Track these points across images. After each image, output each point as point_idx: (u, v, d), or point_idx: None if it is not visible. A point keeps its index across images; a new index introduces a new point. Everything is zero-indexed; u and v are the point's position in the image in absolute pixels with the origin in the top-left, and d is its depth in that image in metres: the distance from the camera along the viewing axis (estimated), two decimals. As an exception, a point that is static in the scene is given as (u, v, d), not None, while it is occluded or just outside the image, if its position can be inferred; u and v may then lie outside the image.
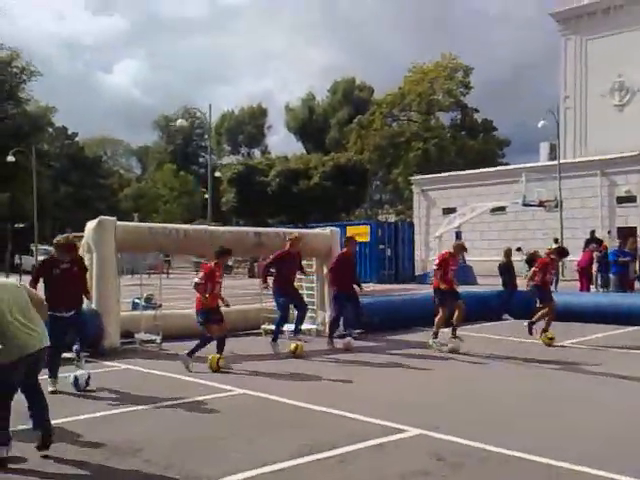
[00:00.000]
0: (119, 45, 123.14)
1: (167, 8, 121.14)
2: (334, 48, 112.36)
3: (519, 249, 24.03)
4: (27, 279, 8.44)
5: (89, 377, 7.63)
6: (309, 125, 71.12)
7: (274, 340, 10.26)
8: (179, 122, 34.69)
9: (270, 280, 10.52)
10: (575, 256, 18.45)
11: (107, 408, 6.79)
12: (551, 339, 10.78)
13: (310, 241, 12.41)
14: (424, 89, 55.57)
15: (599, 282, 18.06)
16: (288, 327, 10.81)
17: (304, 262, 12.40)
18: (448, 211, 36.28)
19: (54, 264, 7.80)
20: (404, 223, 34.03)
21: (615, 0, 34.33)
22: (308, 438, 5.65)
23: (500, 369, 9.04)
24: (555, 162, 31.67)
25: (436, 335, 10.44)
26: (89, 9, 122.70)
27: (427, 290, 20.81)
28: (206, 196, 57.59)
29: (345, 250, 11.26)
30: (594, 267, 17.98)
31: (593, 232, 22.53)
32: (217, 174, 42.33)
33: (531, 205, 27.14)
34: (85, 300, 8.41)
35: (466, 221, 29.94)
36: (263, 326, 12.23)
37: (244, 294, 16.93)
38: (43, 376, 7.59)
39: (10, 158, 38.03)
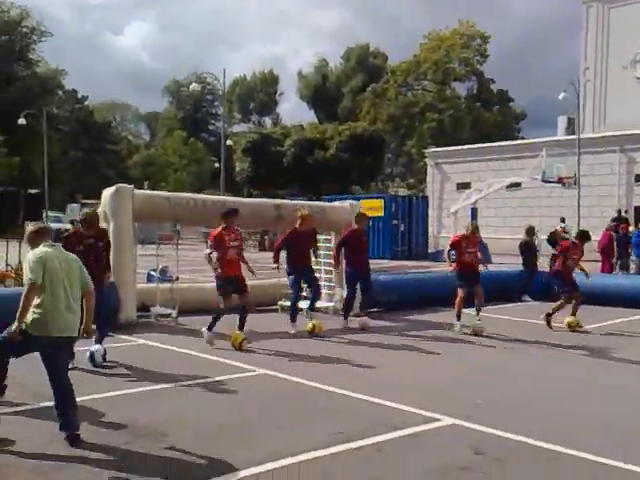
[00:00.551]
0: (128, 6, 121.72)
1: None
2: (347, 13, 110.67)
3: (563, 220, 23.42)
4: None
5: (105, 352, 7.43)
6: (322, 93, 70.07)
7: (292, 320, 9.95)
8: (192, 86, 34.21)
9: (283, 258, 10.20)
10: (594, 236, 18.05)
11: (127, 386, 6.59)
12: (577, 324, 10.48)
13: (329, 214, 12.14)
14: (440, 57, 54.56)
15: (618, 264, 17.71)
16: (305, 304, 10.62)
17: (323, 236, 12.17)
18: (462, 186, 35.73)
19: (78, 240, 7.53)
20: (418, 197, 33.54)
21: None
22: (340, 425, 5.44)
23: (524, 354, 8.79)
24: (574, 137, 30.99)
25: (459, 317, 10.18)
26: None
27: (443, 268, 20.65)
28: (217, 165, 57.33)
29: (356, 227, 10.82)
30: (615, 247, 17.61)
31: (619, 211, 22.08)
32: (229, 142, 41.83)
33: (550, 181, 26.62)
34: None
35: (483, 197, 29.40)
36: (280, 302, 12.01)
37: (260, 268, 16.67)
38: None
39: (21, 121, 37.62)
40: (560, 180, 26.55)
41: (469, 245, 10.33)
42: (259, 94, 78.00)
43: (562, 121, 38.37)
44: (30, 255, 5.01)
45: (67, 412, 4.95)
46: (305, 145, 41.47)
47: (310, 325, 9.77)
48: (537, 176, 26.48)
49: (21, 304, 4.82)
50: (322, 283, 11.37)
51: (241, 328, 8.71)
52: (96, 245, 7.57)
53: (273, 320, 11.00)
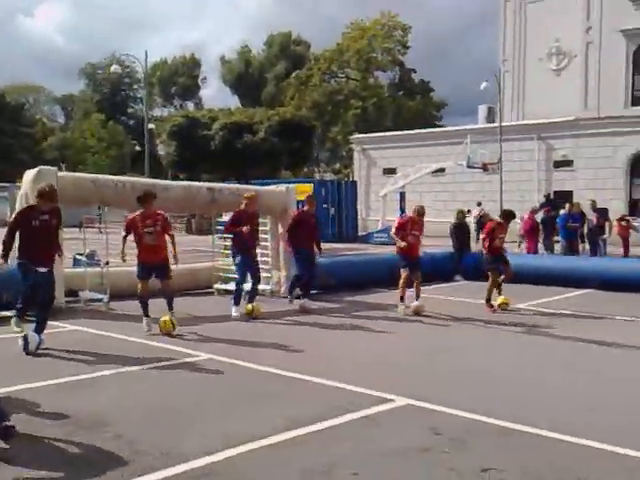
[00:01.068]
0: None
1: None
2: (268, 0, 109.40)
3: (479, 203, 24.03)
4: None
5: (41, 341, 7.01)
6: (245, 78, 69.14)
7: (236, 303, 9.63)
8: (113, 68, 32.95)
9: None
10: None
11: (64, 374, 6.19)
12: (506, 303, 10.65)
13: (264, 198, 11.86)
14: (363, 46, 54.83)
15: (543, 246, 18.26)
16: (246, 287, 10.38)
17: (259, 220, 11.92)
18: (389, 171, 36.12)
19: (34, 215, 7.09)
20: (347, 182, 33.64)
21: (555, -37, 34.46)
22: (293, 409, 5.26)
23: (466, 332, 8.87)
24: (495, 125, 31.83)
25: (402, 299, 10.19)
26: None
27: (377, 250, 20.76)
28: (137, 148, 55.80)
29: (306, 208, 10.75)
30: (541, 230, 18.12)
31: (548, 195, 22.70)
32: (151, 126, 40.65)
33: (475, 167, 27.23)
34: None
35: (410, 182, 29.82)
36: (216, 285, 11.73)
37: (190, 251, 16.23)
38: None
39: None
40: (484, 166, 27.20)
41: (414, 227, 10.32)
42: (181, 78, 76.26)
43: (482, 110, 39.28)
44: None
45: None
46: (234, 129, 40.58)
47: (249, 307, 9.54)
48: (462, 162, 27.03)
49: None
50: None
51: (170, 309, 8.36)
52: (50, 222, 7.13)
53: (211, 303, 10.72)
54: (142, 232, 8.33)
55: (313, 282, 10.80)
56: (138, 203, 8.53)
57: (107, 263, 10.39)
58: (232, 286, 11.54)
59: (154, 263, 8.34)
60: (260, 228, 11.75)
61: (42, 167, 9.99)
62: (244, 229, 9.39)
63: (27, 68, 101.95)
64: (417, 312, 9.99)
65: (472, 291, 12.18)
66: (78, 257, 12.04)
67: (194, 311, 9.60)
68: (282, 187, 12.30)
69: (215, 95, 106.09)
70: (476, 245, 15.26)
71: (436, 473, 4.11)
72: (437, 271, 13.61)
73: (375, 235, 28.24)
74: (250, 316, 9.48)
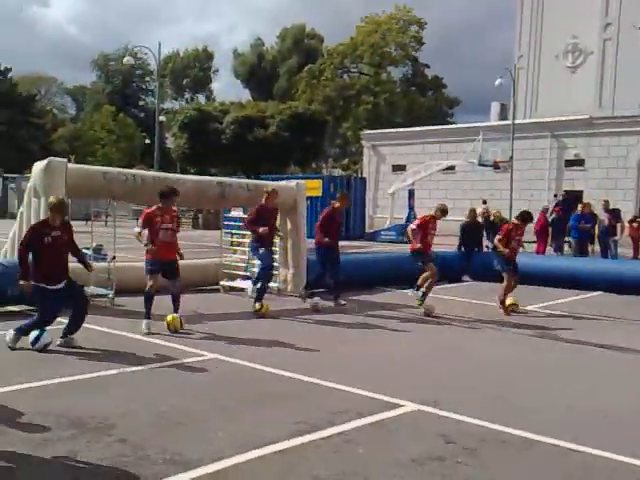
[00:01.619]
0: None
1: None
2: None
3: (485, 202, 23.87)
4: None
5: (50, 342, 6.92)
6: (257, 72, 68.90)
7: (258, 300, 9.46)
8: (126, 59, 32.78)
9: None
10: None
11: (68, 373, 6.07)
12: (516, 305, 10.49)
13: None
14: (376, 40, 54.53)
15: (553, 246, 18.10)
16: (248, 284, 10.31)
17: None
18: (398, 168, 35.92)
19: (45, 231, 6.87)
20: (356, 178, 33.41)
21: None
22: (301, 413, 5.13)
23: (477, 335, 8.71)
24: (508, 122, 31.56)
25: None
26: None
27: (385, 249, 20.61)
28: (147, 141, 55.66)
29: (338, 204, 10.50)
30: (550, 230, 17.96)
31: (565, 193, 22.51)
32: (161, 118, 40.53)
33: (486, 165, 27.00)
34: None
35: (419, 179, 29.61)
36: (222, 282, 11.61)
37: (199, 246, 16.15)
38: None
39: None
40: (495, 164, 26.96)
41: (434, 227, 10.18)
42: (193, 70, 76.10)
43: (495, 107, 39.04)
44: None
45: None
46: (245, 123, 40.35)
47: (258, 305, 9.41)
48: (473, 160, 26.80)
49: None
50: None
51: (176, 310, 8.21)
52: (62, 237, 6.92)
53: (217, 301, 10.59)
54: (159, 228, 8.18)
55: (338, 278, 10.39)
56: (161, 198, 8.31)
57: (114, 258, 10.26)
58: (238, 284, 11.46)
59: (167, 260, 8.17)
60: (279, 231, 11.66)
61: (52, 158, 9.88)
62: (261, 230, 9.27)
63: (40, 58, 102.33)
64: (427, 313, 9.85)
65: (481, 292, 12.04)
66: (84, 251, 11.92)
67: (200, 308, 9.48)
68: (292, 183, 12.15)
69: (226, 88, 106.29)
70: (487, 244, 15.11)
71: (450, 485, 3.97)
72: (445, 271, 13.42)
73: (382, 233, 28.06)
74: (258, 314, 9.36)
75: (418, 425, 5.02)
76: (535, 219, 18.27)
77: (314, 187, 27.34)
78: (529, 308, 10.76)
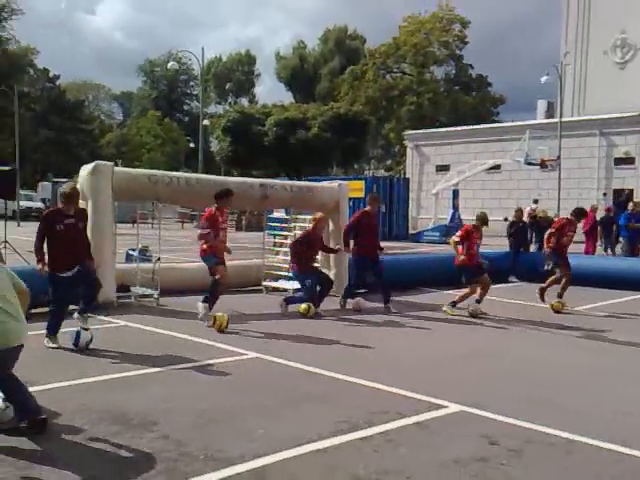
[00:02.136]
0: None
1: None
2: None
3: (536, 201, 23.41)
4: (9, 224, 7.71)
5: (92, 338, 7.00)
6: (299, 74, 69.25)
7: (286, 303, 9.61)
8: (171, 64, 33.36)
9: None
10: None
11: (112, 370, 6.17)
12: (562, 305, 10.29)
13: (317, 195, 11.76)
14: (419, 40, 54.15)
15: (603, 245, 17.68)
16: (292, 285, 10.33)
17: (310, 216, 11.83)
18: (442, 168, 35.59)
19: (58, 218, 6.98)
20: (399, 179, 33.25)
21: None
22: (342, 412, 5.10)
23: (520, 336, 8.55)
24: (554, 120, 30.97)
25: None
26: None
27: (428, 250, 20.43)
28: (191, 145, 56.50)
29: (368, 208, 10.36)
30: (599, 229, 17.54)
31: (605, 194, 21.96)
32: (205, 122, 41.05)
33: (533, 164, 26.51)
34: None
35: (464, 179, 29.27)
36: (265, 283, 11.67)
37: (242, 248, 16.25)
38: (41, 331, 7.02)
39: (-9, 99, 36.53)
40: (542, 162, 26.46)
41: (479, 237, 9.99)
42: (236, 74, 76.90)
43: (542, 105, 38.35)
44: None
45: (25, 398, 4.59)
46: (287, 125, 40.54)
47: (303, 307, 9.40)
48: (519, 158, 26.36)
49: None
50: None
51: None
52: (76, 225, 7.01)
53: (259, 301, 10.64)
54: (220, 227, 8.44)
55: (384, 286, 10.11)
56: (217, 199, 8.60)
57: (159, 259, 10.41)
58: (281, 284, 11.50)
59: (223, 258, 8.50)
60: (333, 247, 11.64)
61: (98, 162, 10.09)
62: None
63: (87, 65, 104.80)
64: (473, 314, 9.70)
65: (527, 293, 11.79)
66: (131, 252, 12.15)
67: (242, 309, 9.54)
68: (334, 183, 12.13)
69: (269, 92, 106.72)
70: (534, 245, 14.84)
71: (493, 487, 3.89)
72: (491, 272, 13.21)
73: (425, 234, 27.83)
74: (303, 315, 9.36)
75: (461, 426, 4.93)
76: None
77: (357, 188, 27.27)
78: (578, 309, 10.51)
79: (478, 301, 9.84)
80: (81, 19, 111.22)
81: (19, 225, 31.62)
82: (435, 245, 24.78)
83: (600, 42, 34.06)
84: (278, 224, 12.59)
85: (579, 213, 10.85)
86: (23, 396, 4.60)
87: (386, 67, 57.13)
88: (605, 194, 30.81)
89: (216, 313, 8.24)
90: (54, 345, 6.96)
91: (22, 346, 4.63)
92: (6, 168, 15.11)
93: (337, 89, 58.30)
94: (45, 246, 6.97)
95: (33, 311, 6.93)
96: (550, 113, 36.72)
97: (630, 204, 16.89)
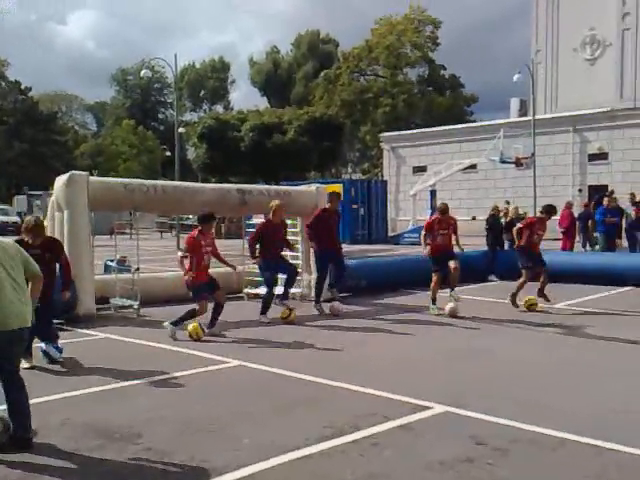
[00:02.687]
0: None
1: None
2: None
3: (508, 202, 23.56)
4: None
5: (60, 349, 6.95)
6: (274, 79, 69.22)
7: (263, 313, 9.51)
8: (143, 72, 33.05)
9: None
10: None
11: (94, 384, 6.10)
12: (535, 304, 10.31)
13: (295, 199, 11.75)
14: (392, 42, 54.39)
15: (581, 241, 17.87)
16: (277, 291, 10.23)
17: (289, 221, 11.82)
18: (419, 169, 35.76)
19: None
20: (377, 181, 33.35)
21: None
22: (327, 417, 5.08)
23: (503, 335, 8.59)
24: (528, 118, 31.25)
25: (434, 301, 9.99)
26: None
27: (408, 251, 20.48)
28: (168, 153, 56.15)
29: (328, 205, 10.46)
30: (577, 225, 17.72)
31: (580, 190, 22.16)
32: (181, 130, 40.83)
33: (508, 162, 26.74)
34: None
35: (441, 179, 29.43)
36: (246, 290, 11.62)
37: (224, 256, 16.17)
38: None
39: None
40: (517, 161, 26.69)
41: (441, 226, 10.10)
42: (210, 81, 76.64)
43: (515, 103, 38.73)
44: None
45: (25, 411, 4.53)
46: (263, 130, 40.47)
47: (285, 312, 9.38)
48: (495, 157, 26.56)
49: None
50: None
51: (212, 326, 8.38)
52: (43, 256, 6.54)
53: (241, 308, 10.58)
54: (204, 252, 8.36)
55: (342, 281, 10.51)
56: (201, 223, 8.59)
57: (137, 269, 10.32)
58: (262, 290, 11.43)
59: (209, 279, 8.42)
60: (292, 230, 11.68)
61: (73, 172, 10.00)
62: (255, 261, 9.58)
63: (59, 75, 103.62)
64: (452, 314, 9.74)
65: (507, 291, 11.84)
66: (109, 263, 12.04)
67: (224, 316, 9.48)
68: (312, 187, 12.13)
69: (244, 98, 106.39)
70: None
71: (480, 487, 3.89)
72: (470, 271, 13.29)
73: (405, 235, 27.93)
74: (285, 320, 9.34)
75: (447, 427, 4.94)
76: (560, 215, 18.13)
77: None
78: (557, 306, 10.60)
79: (456, 299, 9.89)
80: (52, 29, 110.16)
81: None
82: (415, 246, 24.88)
83: (570, 39, 34.48)
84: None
85: (549, 210, 10.76)
86: (21, 407, 4.54)
87: (360, 70, 57.28)
88: (580, 190, 31.17)
89: (190, 325, 8.17)
90: (27, 365, 6.80)
91: (25, 329, 4.58)
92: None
93: (312, 93, 58.34)
94: None
95: None
96: (523, 111, 37.10)
97: (605, 199, 17.09)
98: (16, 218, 41.94)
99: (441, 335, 8.59)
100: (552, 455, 4.37)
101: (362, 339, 8.35)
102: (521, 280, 10.38)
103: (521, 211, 16.58)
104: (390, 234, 30.40)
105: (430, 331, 8.84)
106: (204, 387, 6.08)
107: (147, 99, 77.83)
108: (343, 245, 11.30)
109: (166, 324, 8.35)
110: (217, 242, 9.24)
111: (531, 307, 10.24)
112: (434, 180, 29.00)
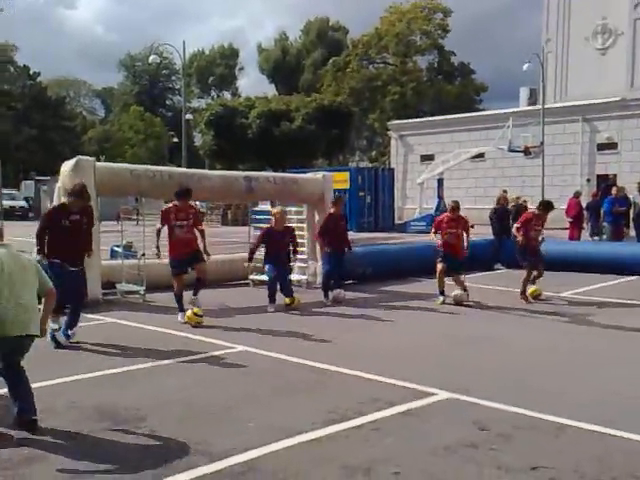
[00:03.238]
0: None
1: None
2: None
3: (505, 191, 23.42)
4: None
5: (71, 334, 6.99)
6: (282, 66, 68.87)
7: (271, 302, 9.46)
8: (152, 58, 32.99)
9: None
10: (558, 203, 17.98)
11: (100, 367, 6.14)
12: (538, 294, 10.26)
13: (302, 186, 11.75)
14: (401, 30, 54.02)
15: (589, 231, 17.81)
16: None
17: (295, 208, 11.86)
18: (426, 158, 35.59)
19: (64, 214, 7.03)
20: (384, 169, 33.26)
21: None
22: (331, 402, 5.11)
23: (506, 322, 8.61)
24: (538, 107, 30.99)
25: (442, 292, 9.98)
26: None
27: (416, 239, 20.45)
28: (175, 140, 56.13)
29: (333, 210, 10.44)
30: (585, 215, 17.67)
31: (588, 180, 22.09)
32: (188, 116, 40.77)
33: (517, 151, 26.57)
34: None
35: (449, 168, 29.27)
36: (251, 276, 11.63)
37: (228, 242, 16.24)
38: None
39: (-31, 97, 36.04)
40: (526, 150, 26.52)
41: (450, 225, 10.05)
42: (218, 68, 76.37)
43: (524, 92, 38.34)
44: None
45: (26, 395, 4.56)
46: (271, 117, 40.30)
47: (289, 298, 9.40)
48: (503, 146, 26.40)
49: None
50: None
51: (195, 293, 8.34)
52: (81, 221, 7.05)
53: (246, 294, 10.63)
54: (173, 225, 8.35)
55: (342, 277, 10.58)
56: (175, 197, 8.55)
57: (143, 255, 10.35)
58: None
59: (186, 254, 8.34)
60: (298, 217, 11.69)
61: (80, 157, 10.00)
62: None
63: (68, 60, 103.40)
64: (458, 302, 9.74)
65: (513, 279, 11.83)
66: (115, 249, 12.07)
67: (229, 302, 9.53)
68: (319, 175, 12.12)
69: (252, 84, 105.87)
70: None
71: (485, 471, 3.90)
72: (477, 259, 13.26)
73: (412, 224, 27.85)
74: (289, 307, 9.36)
75: (450, 413, 4.96)
76: (567, 204, 18.09)
77: (342, 179, 27.27)
78: (563, 294, 10.58)
79: (442, 292, 9.88)
80: (61, 14, 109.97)
81: None
82: (421, 235, 24.83)
83: (581, 28, 34.10)
84: (263, 217, 12.54)
85: (546, 206, 10.63)
86: (24, 391, 4.57)
87: (369, 58, 56.94)
88: (589, 180, 30.99)
89: (186, 314, 8.21)
90: (54, 326, 6.89)
91: (27, 337, 4.56)
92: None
93: (320, 80, 58.06)
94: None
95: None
96: (533, 100, 36.75)
97: (614, 189, 17.00)
98: (23, 203, 42.08)
99: (445, 322, 8.60)
100: (555, 441, 4.38)
101: (367, 326, 8.37)
102: (525, 277, 10.33)
103: (521, 200, 16.41)
104: (397, 222, 30.33)
105: (435, 318, 8.85)
106: (209, 372, 6.11)
107: (155, 85, 77.69)
108: (349, 233, 11.26)
109: (179, 317, 8.38)
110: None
111: (536, 297, 10.22)
112: (442, 168, 28.86)
